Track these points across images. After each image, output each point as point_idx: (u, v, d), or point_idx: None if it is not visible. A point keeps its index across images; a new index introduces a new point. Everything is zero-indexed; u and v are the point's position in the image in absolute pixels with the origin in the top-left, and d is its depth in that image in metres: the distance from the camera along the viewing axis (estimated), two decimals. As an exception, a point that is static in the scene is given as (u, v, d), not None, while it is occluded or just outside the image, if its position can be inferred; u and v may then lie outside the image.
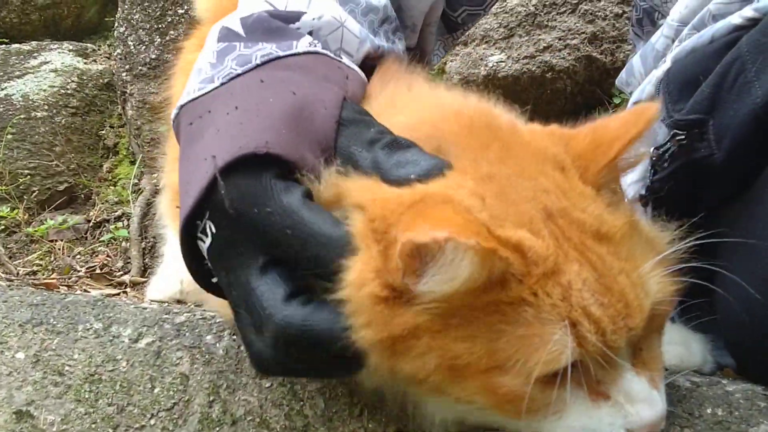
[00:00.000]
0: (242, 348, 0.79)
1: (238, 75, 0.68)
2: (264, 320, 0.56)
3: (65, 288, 1.13)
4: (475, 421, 0.63)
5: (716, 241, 0.79)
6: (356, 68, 0.76)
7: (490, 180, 0.58)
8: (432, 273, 0.53)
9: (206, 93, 0.68)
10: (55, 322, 0.85)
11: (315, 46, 0.73)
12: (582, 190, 0.59)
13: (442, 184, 0.58)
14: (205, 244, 0.61)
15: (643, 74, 0.95)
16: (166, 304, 0.90)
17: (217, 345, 0.80)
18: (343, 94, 0.68)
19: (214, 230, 0.60)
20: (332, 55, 0.74)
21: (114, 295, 1.13)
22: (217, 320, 0.83)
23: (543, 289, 0.54)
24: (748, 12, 0.77)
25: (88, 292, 1.13)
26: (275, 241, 0.58)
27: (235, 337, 0.80)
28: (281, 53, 0.69)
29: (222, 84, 0.68)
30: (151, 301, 1.11)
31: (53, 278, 1.37)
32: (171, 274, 1.13)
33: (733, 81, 0.73)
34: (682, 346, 0.80)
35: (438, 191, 0.57)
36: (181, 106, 0.70)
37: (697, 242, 0.83)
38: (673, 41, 0.91)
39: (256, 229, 0.58)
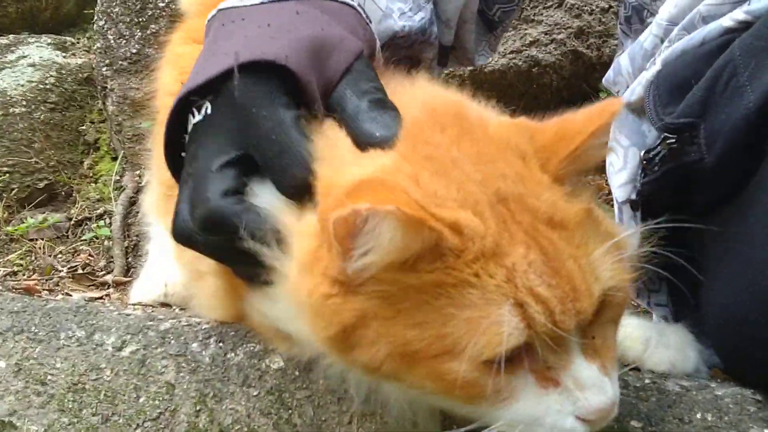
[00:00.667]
0: (229, 356, 0.78)
1: (278, 0, 0.73)
2: (201, 201, 0.63)
3: (46, 291, 1.11)
4: (429, 404, 0.64)
5: (706, 241, 0.80)
6: (376, 36, 0.79)
7: (428, 161, 0.59)
8: (360, 245, 0.54)
9: (245, 6, 0.73)
10: (36, 330, 0.84)
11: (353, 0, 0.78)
12: (540, 179, 0.60)
13: (378, 171, 0.59)
14: (194, 118, 0.67)
15: (632, 73, 0.95)
16: (151, 309, 0.89)
17: (204, 353, 0.79)
18: (362, 48, 0.73)
19: (209, 111, 0.66)
20: (363, 14, 0.78)
21: (97, 298, 1.11)
22: (203, 327, 0.82)
23: (485, 270, 0.54)
24: (739, 15, 0.77)
25: (70, 295, 1.11)
26: (257, 142, 0.64)
27: (221, 344, 0.79)
28: None
29: (261, 3, 0.73)
30: (135, 303, 1.10)
31: (34, 279, 1.35)
32: (155, 277, 1.11)
33: (725, 85, 0.73)
34: (677, 351, 0.80)
35: (373, 177, 0.58)
36: (220, 10, 0.75)
37: (685, 243, 0.83)
38: (662, 41, 0.90)
39: (246, 124, 0.64)
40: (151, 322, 0.83)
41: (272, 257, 0.62)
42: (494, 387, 0.55)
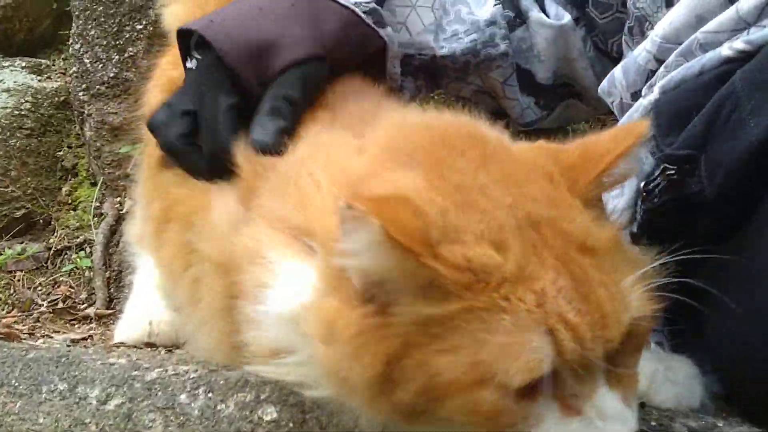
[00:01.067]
0: (219, 408, 0.75)
1: None
2: (163, 136, 0.89)
3: (27, 334, 1.07)
4: None
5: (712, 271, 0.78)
6: (386, 39, 0.95)
7: (457, 190, 0.58)
8: (342, 241, 0.54)
9: None
10: (17, 384, 0.80)
11: (359, 6, 0.92)
12: (571, 202, 0.60)
13: (411, 189, 0.58)
14: (188, 64, 0.90)
15: (625, 86, 0.94)
16: (135, 356, 0.85)
17: (192, 405, 0.75)
18: (313, 54, 0.87)
19: (193, 66, 0.88)
20: (367, 20, 0.92)
21: (80, 339, 1.07)
22: (191, 376, 0.79)
23: (515, 294, 0.53)
24: (739, 44, 0.75)
25: (51, 337, 1.07)
26: (200, 110, 0.86)
27: (211, 394, 0.76)
28: None
29: None
30: (118, 343, 1.06)
31: (14, 315, 1.31)
32: (139, 315, 1.08)
33: (726, 117, 0.72)
34: (684, 386, 0.79)
35: (406, 194, 0.57)
36: None
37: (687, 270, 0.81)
38: (656, 58, 0.89)
39: (200, 93, 0.87)
40: (136, 372, 0.80)
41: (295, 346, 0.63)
42: (521, 415, 0.55)
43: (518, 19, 1.06)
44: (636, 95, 0.94)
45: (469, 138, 0.65)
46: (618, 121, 0.99)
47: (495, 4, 1.05)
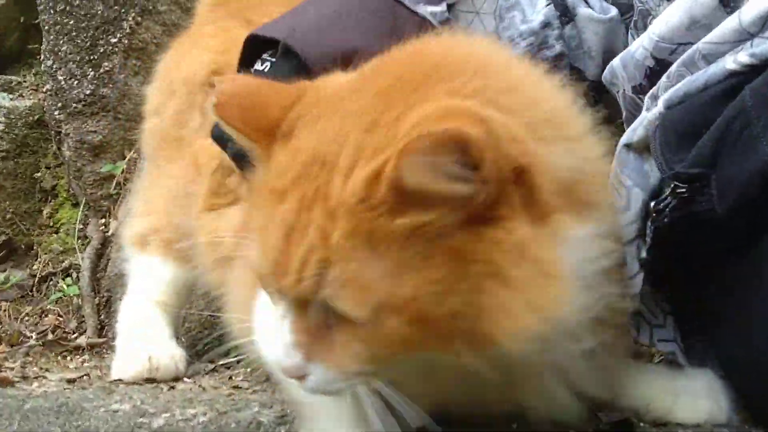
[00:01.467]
0: (233, 455, 0.72)
1: None
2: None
3: (19, 374, 1.02)
4: None
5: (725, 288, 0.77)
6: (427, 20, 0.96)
7: (331, 108, 0.65)
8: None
9: None
10: (16, 439, 0.77)
11: (436, 16, 0.95)
12: (375, 167, 0.59)
13: (336, 92, 0.68)
14: (259, 66, 0.91)
15: (626, 78, 0.94)
16: (139, 401, 0.82)
17: (205, 453, 0.72)
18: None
19: (267, 69, 0.90)
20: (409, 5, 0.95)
21: (76, 379, 1.03)
22: (200, 420, 0.76)
23: (270, 202, 0.62)
24: (743, 57, 0.73)
25: (45, 377, 1.03)
26: None
27: (223, 440, 0.73)
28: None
29: None
30: (118, 380, 1.02)
31: (2, 351, 1.26)
32: (138, 350, 1.04)
33: (737, 135, 0.70)
34: (711, 400, 0.78)
35: (321, 91, 0.68)
36: None
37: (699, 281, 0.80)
38: (653, 56, 0.88)
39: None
40: (141, 419, 0.77)
41: None
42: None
43: (564, 17, 1.05)
44: (636, 89, 0.94)
45: (439, 63, 0.68)
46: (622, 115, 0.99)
47: (547, 4, 1.03)
